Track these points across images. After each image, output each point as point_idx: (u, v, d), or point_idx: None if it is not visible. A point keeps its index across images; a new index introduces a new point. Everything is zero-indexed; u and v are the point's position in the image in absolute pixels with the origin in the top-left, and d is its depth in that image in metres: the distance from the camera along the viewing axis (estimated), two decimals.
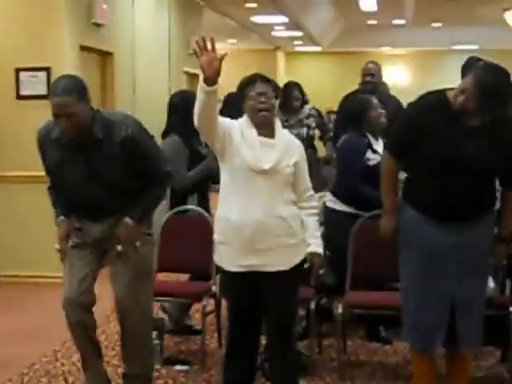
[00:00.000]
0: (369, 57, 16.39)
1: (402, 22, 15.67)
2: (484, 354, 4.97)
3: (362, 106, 5.27)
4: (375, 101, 5.28)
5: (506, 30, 14.47)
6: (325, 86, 16.35)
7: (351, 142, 5.25)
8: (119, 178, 3.85)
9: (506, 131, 3.78)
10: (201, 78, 3.55)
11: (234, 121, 3.88)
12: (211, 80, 3.52)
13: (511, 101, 3.72)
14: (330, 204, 5.27)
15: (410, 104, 4.00)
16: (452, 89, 3.79)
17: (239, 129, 3.81)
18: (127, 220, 3.91)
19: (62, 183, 3.95)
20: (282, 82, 8.47)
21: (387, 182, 3.99)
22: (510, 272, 4.68)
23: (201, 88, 3.53)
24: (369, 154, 5.11)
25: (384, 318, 5.03)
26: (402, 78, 18.10)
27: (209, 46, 3.52)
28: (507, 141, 3.77)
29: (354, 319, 5.32)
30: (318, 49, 18.16)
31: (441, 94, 3.83)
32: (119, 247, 3.90)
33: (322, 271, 3.93)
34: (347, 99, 6.40)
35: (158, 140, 4.74)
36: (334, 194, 5.28)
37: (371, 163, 5.03)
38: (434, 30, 16.88)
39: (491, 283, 4.46)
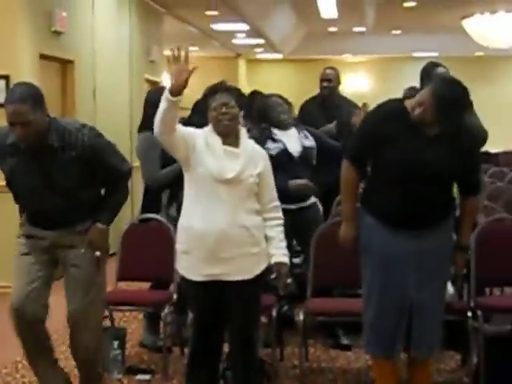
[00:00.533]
0: (330, 64, 16.43)
1: (362, 29, 15.79)
2: (444, 359, 5.02)
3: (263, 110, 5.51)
4: (276, 102, 5.46)
5: (464, 38, 14.63)
6: (286, 93, 16.28)
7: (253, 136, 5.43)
8: (75, 186, 3.84)
9: (464, 139, 3.83)
10: (167, 87, 3.58)
11: (198, 130, 3.88)
12: (177, 91, 3.55)
13: (467, 112, 3.79)
14: None
15: (369, 113, 4.04)
16: (409, 97, 3.84)
17: (204, 138, 3.82)
18: (98, 224, 3.91)
19: (18, 190, 3.93)
20: (243, 89, 8.50)
21: (347, 190, 4.00)
22: (468, 277, 4.73)
23: (165, 97, 3.56)
24: (269, 145, 5.22)
25: (346, 324, 5.06)
26: (363, 85, 18.22)
27: (182, 56, 3.56)
28: (465, 149, 3.82)
29: (316, 326, 5.34)
30: (279, 56, 18.23)
31: (399, 103, 3.88)
32: (97, 253, 3.91)
33: (289, 281, 3.94)
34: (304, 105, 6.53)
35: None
36: None
37: (272, 152, 5.07)
38: (394, 38, 17.03)
39: (450, 288, 4.51)
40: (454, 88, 3.73)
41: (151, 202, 5.29)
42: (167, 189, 5.24)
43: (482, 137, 5.63)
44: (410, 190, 3.75)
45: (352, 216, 3.99)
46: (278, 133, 5.36)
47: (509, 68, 17.72)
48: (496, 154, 15.88)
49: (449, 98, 3.66)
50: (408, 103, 3.82)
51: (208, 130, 3.86)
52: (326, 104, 6.54)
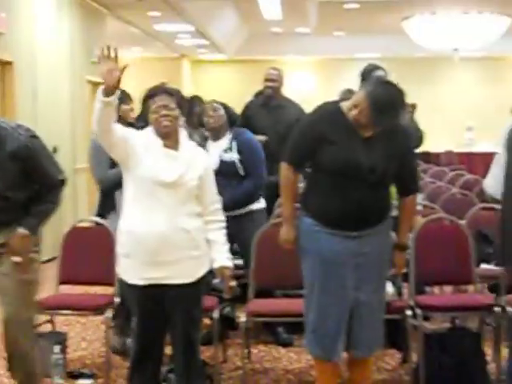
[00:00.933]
0: (274, 64, 16.53)
1: (305, 30, 15.87)
2: (385, 357, 5.08)
3: (200, 111, 5.59)
4: (213, 105, 5.45)
5: (405, 39, 14.82)
6: (231, 93, 16.29)
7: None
8: (10, 188, 3.79)
9: (399, 140, 3.89)
10: (99, 88, 3.54)
11: (138, 131, 3.87)
12: (110, 90, 3.51)
13: (401, 114, 3.84)
14: None
15: (306, 115, 4.08)
16: (345, 100, 3.89)
17: (144, 140, 3.80)
18: (20, 229, 3.85)
19: None
20: (188, 89, 8.52)
21: (286, 191, 4.02)
22: (407, 276, 4.80)
23: (98, 98, 3.51)
24: None
25: (288, 324, 5.10)
26: (307, 86, 18.30)
27: (112, 55, 3.52)
28: (400, 149, 3.88)
29: (259, 327, 5.37)
30: (223, 57, 18.22)
31: (335, 105, 3.93)
32: (16, 258, 3.84)
33: (233, 283, 3.95)
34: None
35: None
36: None
37: None
38: (337, 39, 17.17)
39: (390, 288, 4.57)
40: (388, 90, 3.78)
41: (105, 201, 5.25)
42: (119, 188, 5.22)
43: (419, 137, 5.73)
44: (347, 190, 3.79)
45: (292, 217, 4.02)
46: (210, 143, 5.43)
47: (449, 68, 17.97)
48: (437, 154, 16.13)
49: (383, 100, 3.71)
50: (344, 105, 3.87)
51: (148, 131, 3.84)
52: (270, 104, 6.56)
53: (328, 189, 3.85)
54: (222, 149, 5.32)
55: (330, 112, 3.91)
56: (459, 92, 18.38)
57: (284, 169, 4.00)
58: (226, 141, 5.37)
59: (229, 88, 18.01)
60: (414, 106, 5.76)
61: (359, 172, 3.77)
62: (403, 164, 3.89)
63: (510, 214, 4.02)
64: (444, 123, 17.68)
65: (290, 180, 3.99)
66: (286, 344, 5.36)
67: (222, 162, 5.22)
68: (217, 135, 5.40)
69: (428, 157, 15.64)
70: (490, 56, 17.53)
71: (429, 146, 15.64)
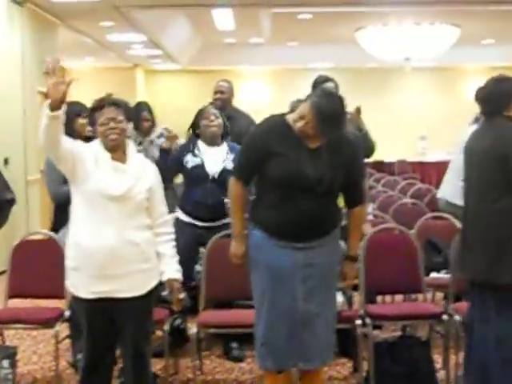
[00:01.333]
0: (227, 75, 16.52)
1: (259, 40, 15.91)
2: (336, 366, 5.10)
3: (197, 114, 5.56)
4: (212, 111, 5.50)
5: (358, 49, 14.94)
6: (185, 103, 16.36)
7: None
8: None
9: (344, 150, 3.92)
10: (45, 102, 3.51)
11: (87, 144, 3.85)
12: (55, 104, 3.48)
13: (345, 123, 3.89)
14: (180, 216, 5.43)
15: (252, 128, 4.09)
16: (290, 112, 3.93)
17: (92, 153, 3.78)
18: None
19: None
20: (142, 99, 8.51)
21: (235, 206, 4.02)
22: (356, 286, 4.83)
23: (43, 112, 3.48)
24: (188, 157, 5.42)
25: (239, 335, 5.09)
26: (261, 96, 18.36)
27: (57, 68, 3.50)
28: (346, 160, 3.91)
29: (211, 338, 5.36)
30: (177, 67, 18.19)
31: (280, 117, 3.95)
32: None
33: (182, 296, 3.94)
34: None
35: None
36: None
37: (188, 166, 5.39)
38: (291, 49, 17.23)
39: (340, 298, 4.60)
40: (333, 101, 3.82)
41: (60, 216, 5.21)
42: None
43: (369, 147, 5.77)
44: (295, 202, 3.81)
45: (241, 232, 4.02)
46: (202, 148, 5.45)
47: (401, 79, 18.15)
48: (391, 163, 16.28)
49: (328, 111, 3.75)
50: (290, 117, 3.90)
51: (96, 144, 3.83)
52: None
53: (276, 201, 3.86)
54: (222, 158, 5.39)
55: (275, 124, 3.94)
56: (412, 102, 18.57)
57: (232, 184, 4.02)
58: (222, 150, 5.44)
59: (183, 98, 18.00)
60: (358, 110, 5.79)
61: (306, 183, 3.80)
62: (349, 174, 3.92)
63: (471, 224, 4.13)
64: (397, 133, 17.84)
65: (238, 195, 4.00)
66: (237, 360, 5.34)
67: (226, 171, 5.23)
68: (215, 141, 5.46)
69: (382, 166, 15.78)
70: (441, 66, 17.75)
71: (382, 155, 15.85)
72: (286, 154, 3.83)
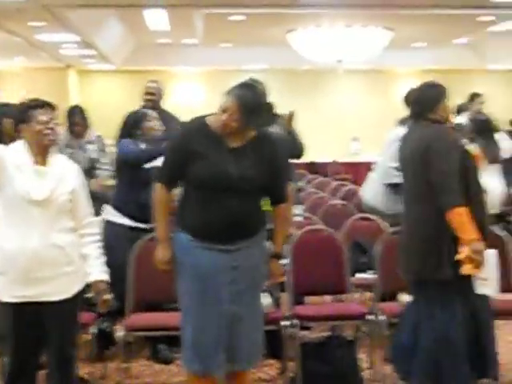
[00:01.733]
0: (161, 75, 16.48)
1: (193, 41, 15.89)
2: (264, 367, 5.12)
3: (138, 117, 5.47)
4: (154, 114, 5.48)
5: (291, 51, 15.00)
6: (119, 104, 16.22)
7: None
8: None
9: (265, 149, 3.94)
10: None
11: (6, 147, 3.79)
12: None
13: (267, 113, 3.95)
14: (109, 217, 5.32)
15: (174, 133, 4.10)
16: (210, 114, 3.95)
17: (14, 157, 3.73)
18: None
19: None
20: (74, 100, 8.42)
21: (160, 211, 4.00)
22: (284, 287, 4.87)
23: None
24: None
25: (168, 337, 5.08)
26: (195, 97, 18.33)
27: None
28: (268, 158, 3.92)
29: (139, 340, 5.34)
30: (111, 67, 18.04)
31: (200, 119, 3.96)
32: None
33: (107, 297, 3.91)
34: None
35: None
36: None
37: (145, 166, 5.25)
38: (224, 50, 17.24)
39: (267, 299, 4.63)
40: (253, 90, 3.88)
41: None
42: None
43: (298, 148, 5.82)
44: (219, 203, 3.81)
45: (166, 237, 3.99)
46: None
47: (334, 80, 18.30)
48: (324, 164, 16.41)
49: (250, 99, 3.81)
50: (209, 118, 3.92)
51: (17, 148, 3.77)
52: None
53: (200, 202, 3.86)
54: None
55: (195, 126, 3.95)
56: (345, 103, 18.74)
57: (156, 188, 4.00)
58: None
59: (117, 98, 17.84)
60: (291, 115, 5.84)
61: (229, 183, 3.81)
62: (272, 172, 3.94)
63: (405, 224, 4.31)
64: (331, 134, 17.99)
65: (162, 199, 3.98)
66: (166, 362, 5.33)
67: None
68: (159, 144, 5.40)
69: (315, 167, 15.90)
70: (374, 68, 17.94)
71: (316, 156, 15.97)
72: (208, 155, 3.83)
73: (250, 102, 3.81)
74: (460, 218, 4.01)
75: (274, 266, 4.14)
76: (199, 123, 3.94)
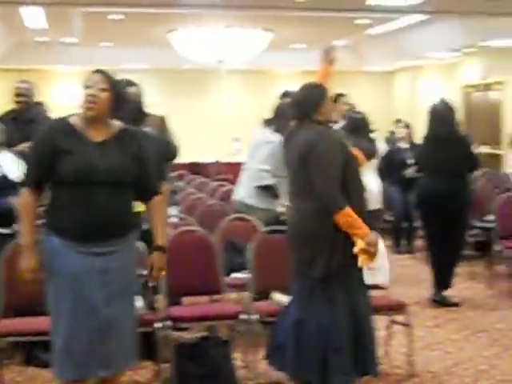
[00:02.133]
0: (40, 74, 16.17)
1: (73, 40, 15.65)
2: (140, 370, 5.10)
3: None
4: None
5: (172, 50, 14.99)
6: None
7: None
8: None
9: (134, 142, 3.93)
10: None
11: None
12: None
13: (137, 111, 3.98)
14: None
15: (35, 135, 4.03)
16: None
17: None
18: None
19: None
20: None
21: (25, 217, 3.88)
22: (157, 289, 4.87)
23: None
24: None
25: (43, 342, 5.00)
26: (75, 97, 18.01)
27: None
28: (135, 152, 3.90)
29: (13, 346, 5.23)
30: None
31: (63, 118, 3.92)
32: None
33: None
34: None
35: None
36: None
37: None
38: (105, 49, 17.05)
39: (140, 302, 4.61)
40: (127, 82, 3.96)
41: None
42: None
43: (171, 149, 5.81)
44: (87, 200, 3.76)
45: (32, 244, 3.86)
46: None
47: (216, 81, 18.38)
48: (206, 165, 16.46)
49: (119, 85, 3.91)
50: (73, 117, 3.89)
51: None
52: (20, 119, 6.41)
53: (68, 201, 3.78)
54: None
55: (57, 124, 3.92)
56: (226, 104, 18.83)
57: (22, 194, 3.89)
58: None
59: None
60: (162, 119, 5.85)
61: (96, 176, 3.76)
62: (140, 166, 3.91)
63: (289, 225, 4.44)
64: (213, 134, 18.05)
65: (27, 204, 3.87)
66: (46, 365, 5.22)
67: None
68: None
69: (197, 167, 15.94)
70: (254, 69, 18.11)
71: (198, 156, 16.00)
72: (72, 150, 3.78)
73: (118, 86, 3.89)
74: (348, 218, 4.18)
75: (158, 259, 4.03)
76: (62, 122, 3.90)
